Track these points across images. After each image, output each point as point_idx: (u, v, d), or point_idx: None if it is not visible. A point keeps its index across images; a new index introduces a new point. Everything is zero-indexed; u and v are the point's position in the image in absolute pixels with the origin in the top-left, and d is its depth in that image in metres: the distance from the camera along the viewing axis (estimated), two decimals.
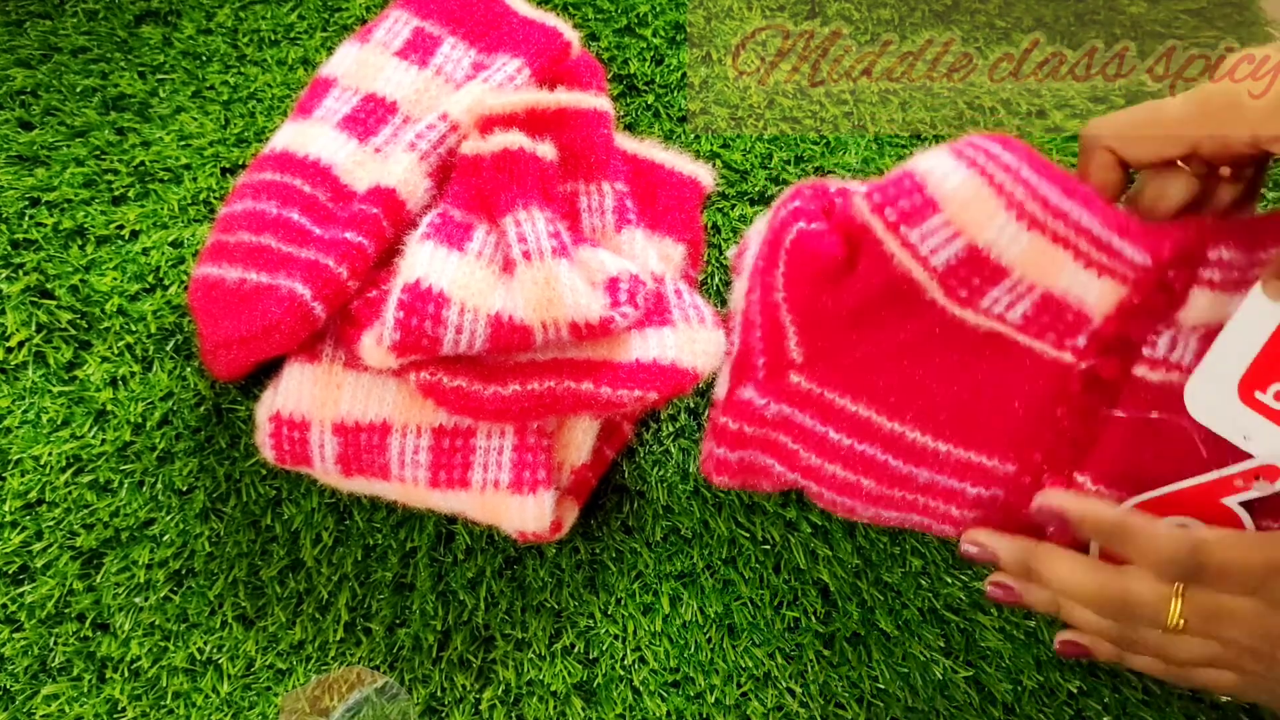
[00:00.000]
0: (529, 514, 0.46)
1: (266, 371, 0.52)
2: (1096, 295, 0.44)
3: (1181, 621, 0.40)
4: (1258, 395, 0.43)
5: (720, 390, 0.50)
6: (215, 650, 0.49)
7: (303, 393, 0.48)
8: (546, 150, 0.47)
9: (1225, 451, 0.44)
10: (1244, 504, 0.44)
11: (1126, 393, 0.45)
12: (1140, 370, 0.45)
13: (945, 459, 0.47)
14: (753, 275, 0.50)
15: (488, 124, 0.48)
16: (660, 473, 0.53)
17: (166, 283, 0.55)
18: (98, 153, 0.58)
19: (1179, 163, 0.44)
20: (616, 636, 0.50)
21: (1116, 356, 0.45)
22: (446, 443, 0.47)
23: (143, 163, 0.57)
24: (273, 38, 0.62)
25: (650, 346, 0.47)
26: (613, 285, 0.47)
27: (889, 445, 0.47)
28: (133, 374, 0.53)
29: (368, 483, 0.48)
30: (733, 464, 0.50)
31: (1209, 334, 0.44)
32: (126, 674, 0.48)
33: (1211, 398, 0.44)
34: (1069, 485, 0.46)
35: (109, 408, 0.52)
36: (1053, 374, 0.45)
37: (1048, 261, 0.43)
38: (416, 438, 0.47)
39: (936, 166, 0.43)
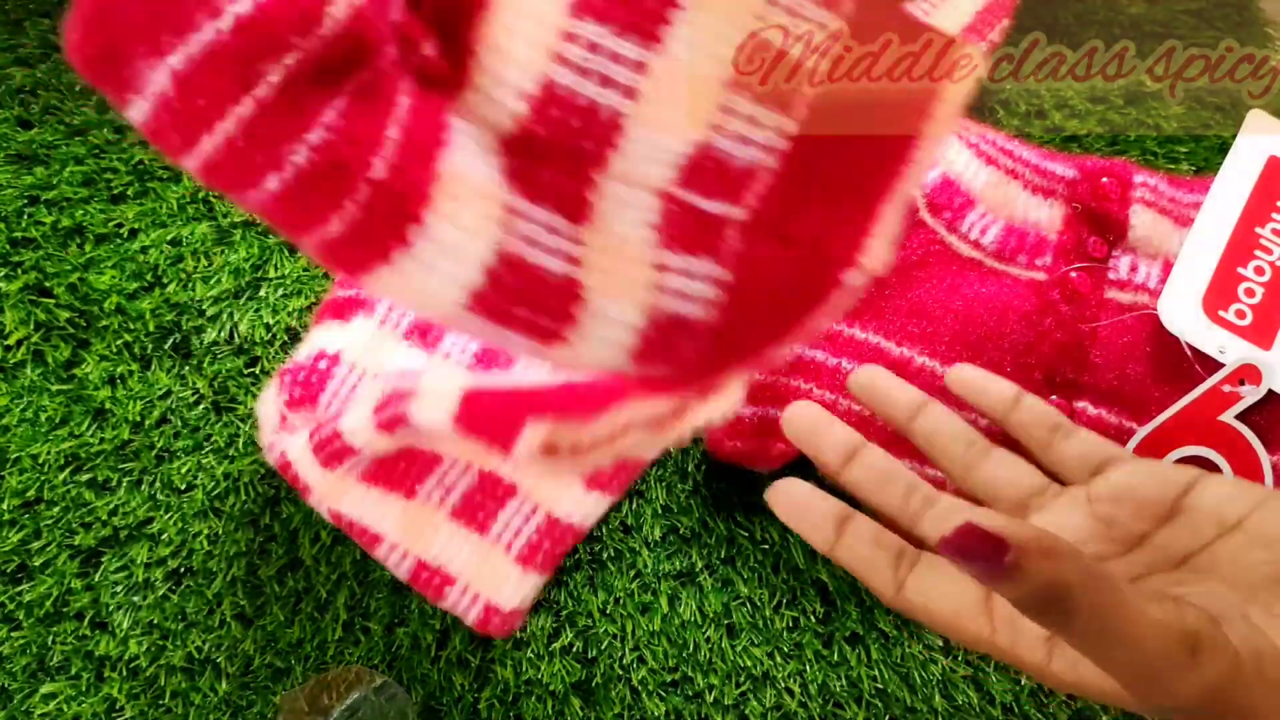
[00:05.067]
0: (513, 587, 0.48)
1: (265, 370, 0.52)
2: (1046, 215, 0.52)
3: None
4: (1220, 314, 0.49)
5: None
6: (214, 649, 0.49)
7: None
8: None
9: (1210, 367, 0.50)
10: (1248, 425, 0.48)
11: (1104, 313, 0.51)
12: (1111, 293, 0.52)
13: None
14: None
15: None
16: (660, 472, 0.53)
17: (165, 281, 0.55)
18: (96, 151, 0.57)
19: None
20: (615, 636, 0.50)
21: (1086, 273, 0.51)
22: (489, 487, 0.49)
23: (141, 161, 0.57)
24: None
25: None
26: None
27: (899, 372, 0.50)
28: (131, 372, 0.53)
29: (381, 496, 0.48)
30: (746, 422, 0.50)
31: (1168, 263, 0.52)
32: (125, 673, 0.48)
33: (1182, 316, 0.50)
34: (1072, 415, 0.50)
35: (107, 406, 0.52)
36: (1034, 291, 0.52)
37: (1003, 193, 0.52)
38: (462, 473, 0.48)
39: None
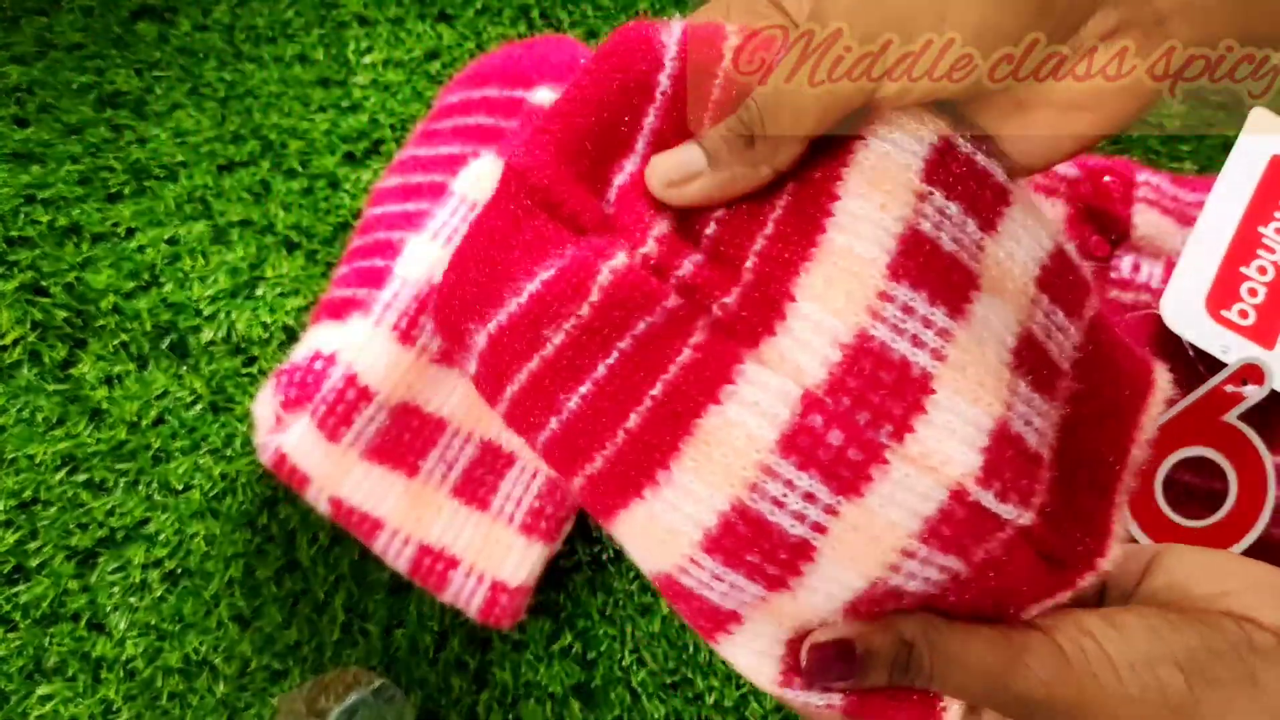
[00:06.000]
0: (518, 558, 0.48)
1: (262, 370, 0.52)
2: (1050, 213, 0.52)
3: None
4: (1223, 313, 0.49)
5: None
6: (211, 651, 0.48)
7: (378, 365, 0.46)
8: None
9: (1213, 367, 0.49)
10: (1250, 425, 0.47)
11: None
12: (1113, 292, 0.51)
13: None
14: None
15: None
16: None
17: (162, 280, 0.54)
18: (93, 150, 0.57)
19: None
20: (615, 638, 0.49)
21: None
22: (489, 459, 0.48)
23: (138, 160, 0.57)
24: (269, 34, 0.62)
25: None
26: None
27: None
28: (127, 372, 0.52)
29: (383, 475, 0.48)
30: None
31: (1170, 263, 0.51)
32: (121, 674, 0.48)
33: (1185, 315, 0.49)
34: None
35: (104, 406, 0.52)
36: None
37: None
38: (465, 443, 0.48)
39: None
